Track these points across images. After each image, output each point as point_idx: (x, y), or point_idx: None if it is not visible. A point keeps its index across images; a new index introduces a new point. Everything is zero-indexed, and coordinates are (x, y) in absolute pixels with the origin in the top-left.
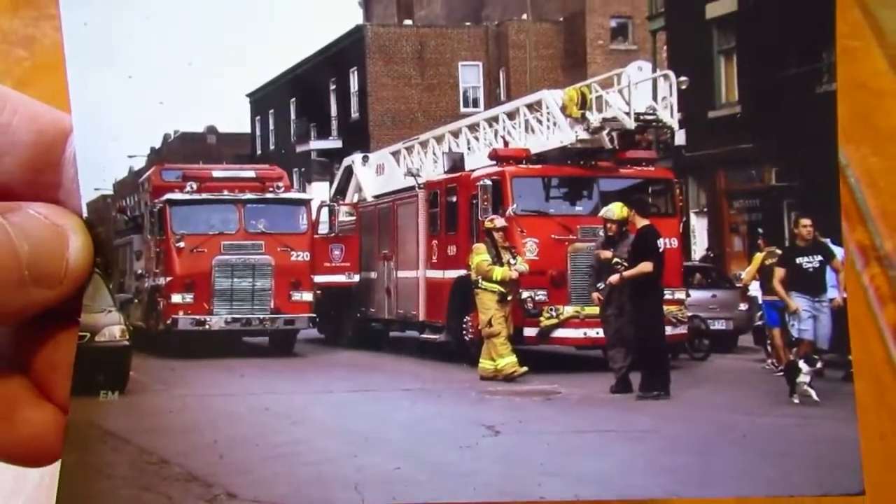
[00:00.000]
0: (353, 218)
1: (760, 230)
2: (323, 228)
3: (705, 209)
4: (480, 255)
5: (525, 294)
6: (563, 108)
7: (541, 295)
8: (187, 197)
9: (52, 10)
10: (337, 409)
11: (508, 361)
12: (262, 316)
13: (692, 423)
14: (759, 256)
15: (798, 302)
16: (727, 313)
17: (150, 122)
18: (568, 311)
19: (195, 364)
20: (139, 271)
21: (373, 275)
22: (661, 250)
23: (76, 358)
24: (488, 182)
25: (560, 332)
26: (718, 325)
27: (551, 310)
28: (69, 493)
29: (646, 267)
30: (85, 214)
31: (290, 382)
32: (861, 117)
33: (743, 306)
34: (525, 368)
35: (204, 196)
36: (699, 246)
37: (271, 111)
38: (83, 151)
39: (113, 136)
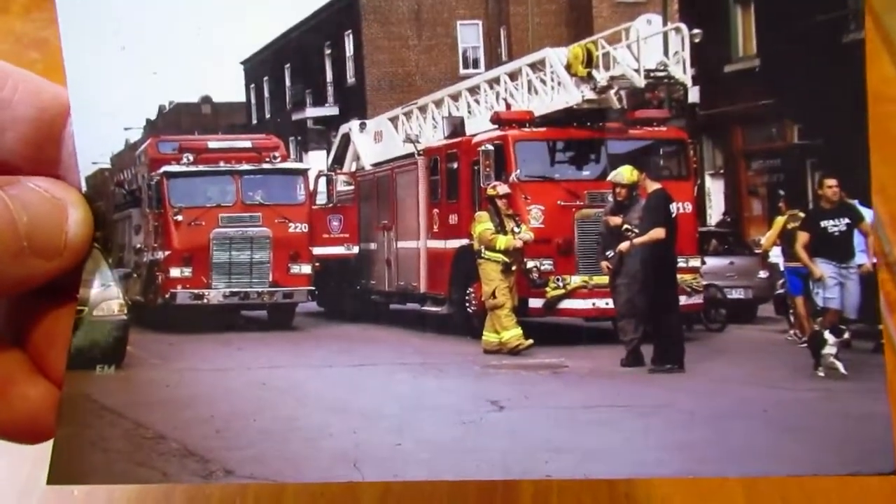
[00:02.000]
0: (352, 187)
1: (781, 192)
2: (321, 199)
3: (721, 171)
4: (483, 224)
5: (530, 264)
6: (568, 67)
7: (546, 264)
8: (184, 169)
9: None
10: (336, 383)
11: (513, 334)
12: (260, 289)
13: (708, 398)
14: (780, 220)
15: (823, 268)
16: (746, 281)
17: (145, 93)
18: (575, 280)
19: (193, 339)
20: (138, 245)
21: (372, 246)
22: (673, 215)
23: (73, 331)
24: (490, 147)
25: (567, 303)
26: (736, 294)
27: (558, 280)
28: (63, 466)
29: (658, 233)
30: (84, 189)
31: (288, 356)
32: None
33: (763, 273)
34: (531, 341)
35: (201, 168)
36: (715, 210)
37: (266, 79)
38: (80, 126)
39: (108, 110)
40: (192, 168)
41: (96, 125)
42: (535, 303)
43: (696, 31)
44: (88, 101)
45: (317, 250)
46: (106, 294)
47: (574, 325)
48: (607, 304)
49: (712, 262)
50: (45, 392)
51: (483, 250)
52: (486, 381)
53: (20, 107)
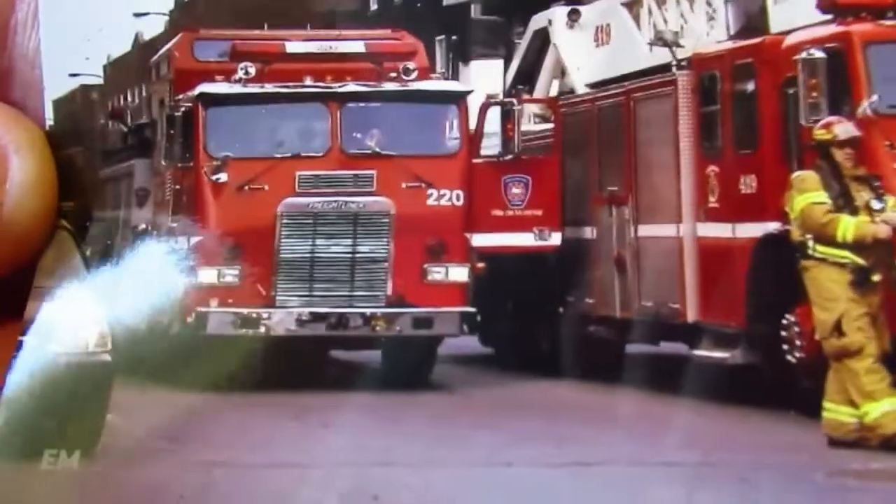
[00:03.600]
0: (550, 126)
1: None
2: (490, 146)
3: None
4: (810, 195)
5: None
6: None
7: None
8: (238, 90)
9: None
10: (526, 499)
11: (888, 409)
12: (369, 310)
13: None
14: None
15: None
16: None
17: None
18: None
19: (237, 401)
20: (142, 225)
21: (587, 232)
22: None
23: (11, 385)
24: (819, 53)
25: None
26: None
27: None
28: None
29: None
30: (48, 123)
31: (423, 443)
32: None
33: None
34: None
35: (268, 89)
36: None
37: None
38: (51, 9)
39: None
40: (252, 89)
41: (80, 8)
42: None
43: None
44: None
45: (480, 239)
46: (76, 314)
47: None
48: None
49: None
50: None
51: (812, 243)
52: None
53: None
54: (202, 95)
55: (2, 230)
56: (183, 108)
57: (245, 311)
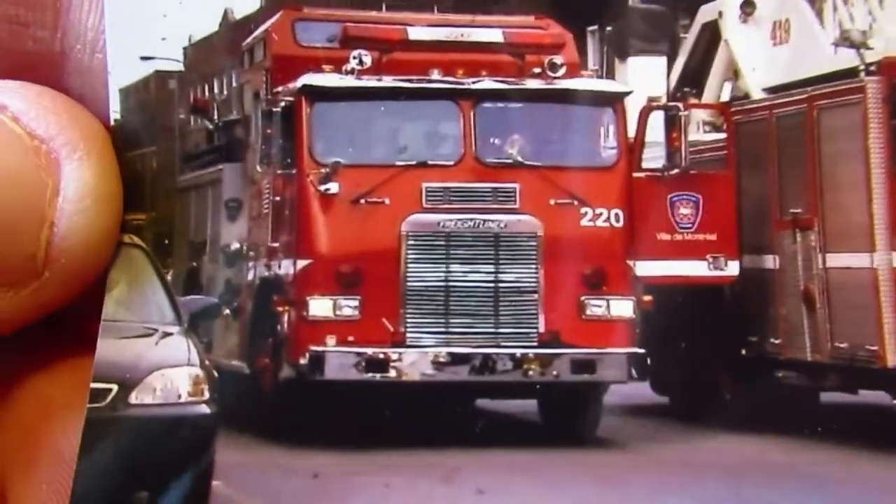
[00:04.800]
0: (722, 136)
1: None
2: (652, 157)
3: None
4: None
5: None
6: None
7: None
8: (350, 83)
9: None
10: None
11: None
12: (519, 350)
13: None
14: None
15: None
16: None
17: None
18: None
19: (369, 461)
20: (234, 244)
21: (769, 261)
22: None
23: (85, 447)
24: None
25: None
26: None
27: None
28: None
29: None
30: (114, 115)
31: None
32: None
33: None
34: None
35: (386, 83)
36: None
37: None
38: None
39: None
40: (367, 82)
41: None
42: None
43: None
44: None
45: (644, 268)
46: (161, 354)
47: None
48: None
49: None
50: None
51: None
52: None
53: None
54: (306, 88)
55: (54, 256)
56: (283, 103)
57: (370, 350)
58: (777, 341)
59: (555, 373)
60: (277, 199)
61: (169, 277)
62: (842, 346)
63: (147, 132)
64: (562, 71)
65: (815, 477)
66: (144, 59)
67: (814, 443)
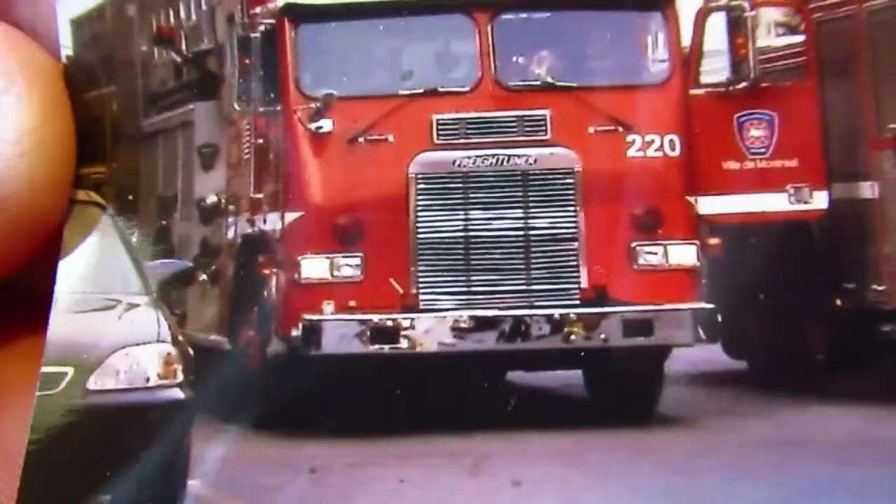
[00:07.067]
0: (800, 39)
1: None
2: (714, 69)
3: None
4: None
5: None
6: None
7: None
8: None
9: None
10: None
11: None
12: (557, 311)
13: None
14: None
15: None
16: None
17: None
18: None
19: (380, 450)
20: (211, 197)
21: (865, 189)
22: None
23: (35, 441)
24: None
25: None
26: None
27: None
28: None
29: None
30: (65, 50)
31: None
32: None
33: None
34: None
35: None
36: None
37: None
38: None
39: None
40: None
41: None
42: None
43: None
44: None
45: (708, 204)
46: (127, 329)
47: None
48: None
49: None
50: None
51: None
52: None
53: None
54: (289, 7)
55: (4, 210)
56: (262, 27)
57: (376, 317)
58: (880, 288)
59: (603, 336)
60: (260, 141)
61: (134, 239)
62: None
63: (104, 69)
64: None
65: None
66: None
67: None
